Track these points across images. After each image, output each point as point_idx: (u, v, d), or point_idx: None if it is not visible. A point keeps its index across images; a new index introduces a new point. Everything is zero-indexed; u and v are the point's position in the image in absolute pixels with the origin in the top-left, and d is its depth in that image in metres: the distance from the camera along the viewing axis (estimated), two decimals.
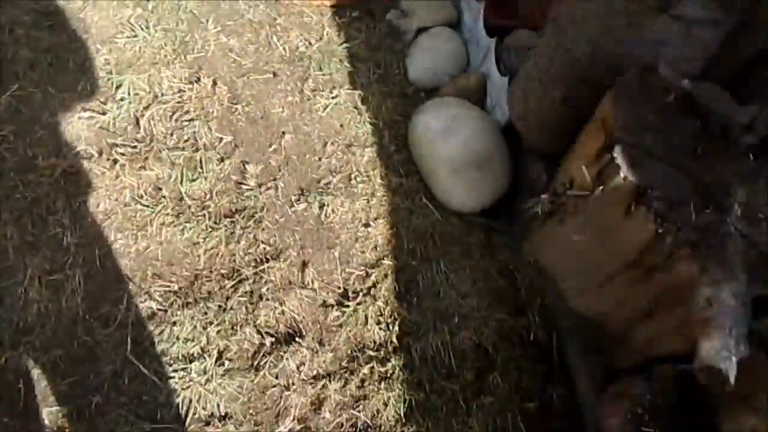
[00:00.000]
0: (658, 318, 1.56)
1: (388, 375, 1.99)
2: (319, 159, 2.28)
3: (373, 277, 2.11)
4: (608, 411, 1.65)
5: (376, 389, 1.96)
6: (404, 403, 1.96)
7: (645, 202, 1.43)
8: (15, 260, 1.94)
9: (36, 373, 1.82)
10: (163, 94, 2.28)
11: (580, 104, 1.78)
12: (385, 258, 2.15)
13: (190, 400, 1.85)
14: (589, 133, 1.63)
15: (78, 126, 2.19)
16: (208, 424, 1.84)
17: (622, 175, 1.44)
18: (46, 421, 1.78)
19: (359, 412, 1.93)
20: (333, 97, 2.39)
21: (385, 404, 1.95)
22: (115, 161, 2.14)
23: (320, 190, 2.21)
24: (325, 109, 2.37)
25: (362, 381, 1.97)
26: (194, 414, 1.85)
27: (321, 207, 2.18)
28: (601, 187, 1.50)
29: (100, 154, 2.15)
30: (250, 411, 1.89)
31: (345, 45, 2.52)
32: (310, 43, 2.50)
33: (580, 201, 1.59)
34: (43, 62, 2.26)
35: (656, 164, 1.45)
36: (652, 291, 1.55)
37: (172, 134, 2.22)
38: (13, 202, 2.02)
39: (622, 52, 1.62)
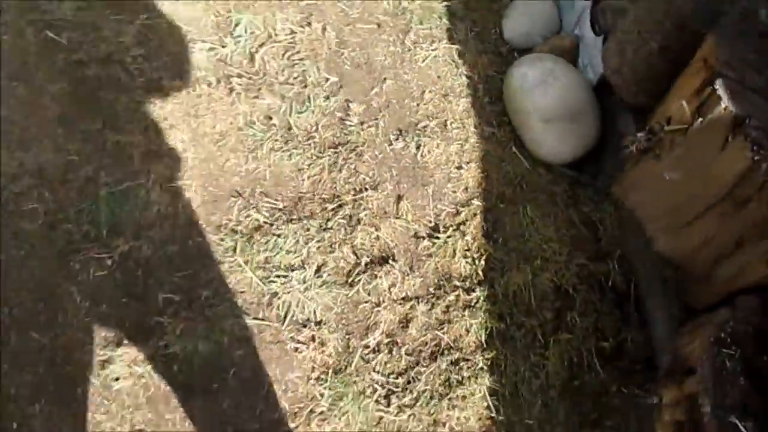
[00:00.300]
0: (746, 250, 1.64)
1: (472, 304, 2.11)
2: (417, 105, 2.42)
3: (462, 215, 2.24)
4: (689, 339, 1.73)
5: (460, 315, 2.08)
6: (485, 330, 2.08)
7: (743, 131, 1.52)
8: (140, 165, 2.14)
9: (154, 263, 2.00)
10: (276, 35, 2.46)
11: (676, 54, 1.87)
12: (475, 199, 2.27)
13: (290, 304, 2.01)
14: (688, 74, 1.72)
15: (199, 56, 2.38)
16: (304, 326, 1.99)
17: (722, 105, 1.53)
18: (161, 305, 1.95)
19: (443, 333, 2.05)
20: (432, 50, 2.53)
21: (467, 330, 2.07)
22: (232, 89, 2.33)
23: (418, 132, 2.35)
24: (424, 60, 2.51)
25: (447, 307, 2.10)
26: (292, 316, 2.00)
27: (418, 147, 2.32)
28: (700, 119, 1.59)
29: (218, 81, 2.33)
30: (343, 321, 2.03)
31: (445, 3, 2.66)
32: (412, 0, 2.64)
33: (678, 136, 1.69)
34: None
35: (755, 97, 1.54)
36: (742, 224, 1.64)
37: (283, 71, 2.40)
38: (140, 114, 2.21)
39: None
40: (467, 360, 2.03)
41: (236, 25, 2.45)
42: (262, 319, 1.98)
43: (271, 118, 2.29)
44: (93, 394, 1.84)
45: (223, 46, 2.39)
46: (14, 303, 1.91)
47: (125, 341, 1.89)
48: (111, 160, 2.13)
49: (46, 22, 2.34)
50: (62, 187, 2.07)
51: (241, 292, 2.01)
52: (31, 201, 2.04)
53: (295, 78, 2.38)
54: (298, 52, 2.42)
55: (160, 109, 2.24)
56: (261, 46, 2.42)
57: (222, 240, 2.06)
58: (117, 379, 1.85)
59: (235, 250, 2.05)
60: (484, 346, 2.05)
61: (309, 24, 2.49)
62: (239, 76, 2.35)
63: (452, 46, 2.56)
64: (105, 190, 2.08)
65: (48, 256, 1.98)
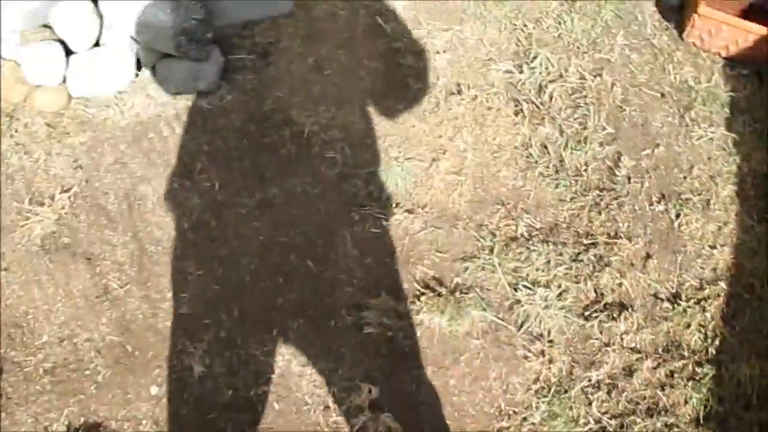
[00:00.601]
0: None
1: (697, 378, 2.12)
2: (684, 177, 2.49)
3: (706, 292, 2.26)
4: None
5: (682, 384, 2.10)
6: (704, 408, 2.08)
7: None
8: (428, 152, 2.37)
9: (419, 238, 2.19)
10: (567, 76, 2.63)
11: None
12: (722, 282, 2.29)
13: (529, 315, 2.12)
14: None
15: (496, 75, 2.59)
16: (537, 339, 2.09)
17: None
18: (417, 276, 2.12)
19: (663, 395, 2.07)
20: (710, 132, 2.60)
21: (686, 401, 2.08)
22: (518, 111, 2.51)
23: (680, 202, 2.41)
24: (699, 138, 2.58)
25: (672, 372, 2.12)
26: (528, 327, 2.11)
27: (677, 216, 2.38)
28: None
29: (508, 101, 2.53)
30: (571, 348, 2.11)
31: (729, 93, 2.73)
32: (699, 81, 2.73)
33: None
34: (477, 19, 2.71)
35: None
36: None
37: (566, 109, 2.56)
38: (438, 109, 2.45)
39: None
40: (680, 429, 2.04)
41: (534, 57, 2.64)
42: (502, 320, 2.10)
43: (546, 147, 2.44)
44: (344, 330, 2.03)
45: (520, 72, 2.59)
46: (298, 231, 2.16)
47: (382, 294, 2.07)
48: (406, 138, 2.37)
49: (378, 10, 2.65)
50: (361, 147, 2.33)
51: (488, 289, 2.15)
52: (334, 151, 2.30)
53: (575, 119, 2.53)
54: (584, 97, 2.58)
55: (454, 110, 2.46)
56: (551, 81, 2.59)
57: (481, 238, 2.22)
58: (368, 323, 2.02)
59: (491, 250, 2.20)
60: (701, 422, 2.05)
61: (599, 75, 2.64)
62: (527, 101, 2.53)
63: (728, 134, 2.61)
64: (395, 162, 2.31)
65: (334, 200, 2.23)
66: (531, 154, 2.43)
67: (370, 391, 1.94)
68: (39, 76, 2.23)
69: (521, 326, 2.11)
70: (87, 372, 1.89)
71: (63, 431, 1.81)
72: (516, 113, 2.51)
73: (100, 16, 2.26)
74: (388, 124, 2.41)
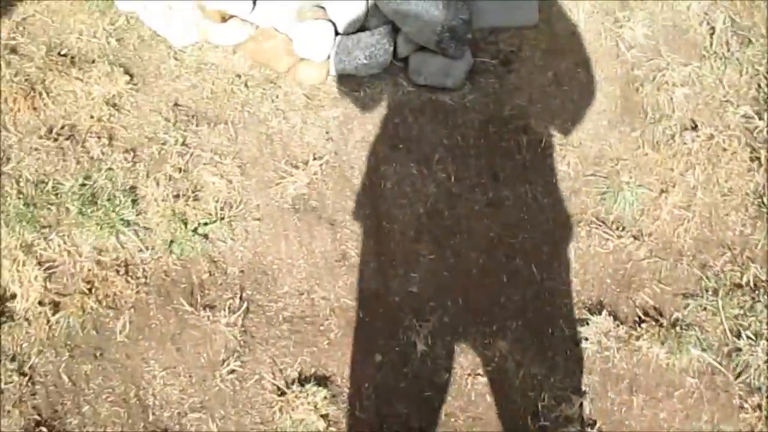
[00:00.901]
0: None
1: None
2: None
3: None
4: None
5: None
6: None
7: None
8: (658, 181, 2.34)
9: (642, 266, 2.18)
10: None
11: None
12: None
13: (749, 366, 2.09)
14: None
15: (733, 118, 2.56)
16: (755, 392, 2.04)
17: None
18: (634, 302, 2.12)
19: None
20: None
21: None
22: (754, 158, 2.48)
23: None
24: None
25: None
26: (747, 378, 2.06)
27: None
28: None
29: (744, 147, 2.47)
30: None
31: None
32: None
33: None
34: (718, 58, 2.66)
35: None
36: None
37: None
38: (673, 141, 2.43)
39: None
40: None
41: None
42: (720, 364, 2.05)
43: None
44: (561, 341, 2.07)
45: (759, 119, 2.52)
46: (526, 235, 2.24)
47: (603, 313, 2.08)
48: (638, 165, 2.38)
49: (619, 35, 2.69)
50: (591, 165, 2.36)
51: (707, 330, 2.12)
52: (567, 165, 2.36)
53: None
54: None
55: (689, 145, 2.44)
56: None
57: (705, 278, 2.19)
58: (586, 339, 2.04)
59: (715, 292, 2.17)
60: None
61: None
62: (764, 149, 2.47)
63: None
64: (625, 186, 2.32)
65: (563, 212, 2.28)
66: (763, 203, 2.37)
67: (581, 405, 1.95)
68: (307, 51, 2.41)
69: (739, 375, 2.06)
70: (321, 327, 2.03)
71: (295, 377, 1.95)
72: (752, 159, 2.45)
73: (368, 3, 2.41)
74: (621, 148, 2.43)
